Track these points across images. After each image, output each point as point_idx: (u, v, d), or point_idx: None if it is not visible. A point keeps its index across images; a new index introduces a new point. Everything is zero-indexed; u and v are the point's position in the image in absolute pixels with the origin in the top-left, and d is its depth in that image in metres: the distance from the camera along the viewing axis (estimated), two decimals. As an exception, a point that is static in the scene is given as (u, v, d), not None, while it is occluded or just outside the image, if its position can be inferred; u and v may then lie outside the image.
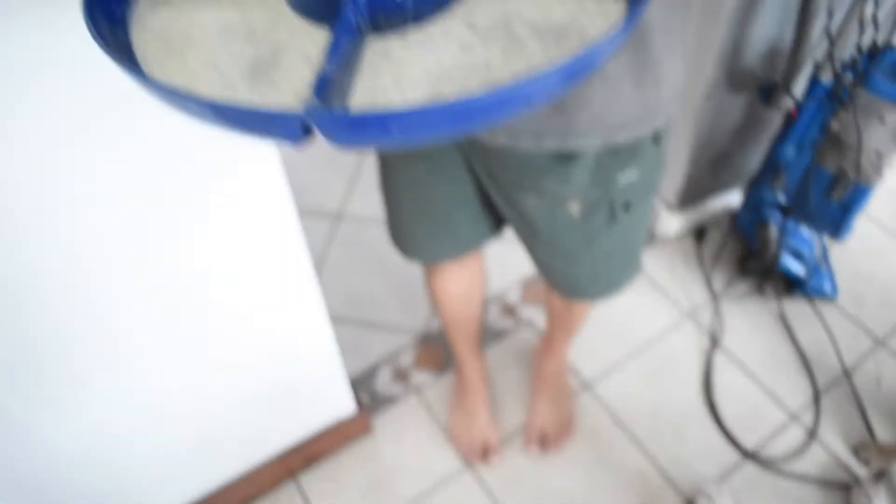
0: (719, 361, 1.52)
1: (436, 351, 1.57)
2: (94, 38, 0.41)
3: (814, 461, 1.39)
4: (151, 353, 0.98)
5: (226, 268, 0.96)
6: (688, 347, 1.55)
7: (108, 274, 0.84)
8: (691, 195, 1.66)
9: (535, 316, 1.62)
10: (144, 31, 0.46)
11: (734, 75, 1.39)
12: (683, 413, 1.46)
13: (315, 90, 0.37)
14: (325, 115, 0.36)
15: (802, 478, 1.36)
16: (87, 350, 0.90)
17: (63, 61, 0.63)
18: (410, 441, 1.45)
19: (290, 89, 0.42)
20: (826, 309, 1.59)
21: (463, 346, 1.40)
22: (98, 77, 0.65)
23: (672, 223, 1.70)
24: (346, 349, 1.57)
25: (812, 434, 1.42)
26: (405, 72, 0.43)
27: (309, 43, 0.45)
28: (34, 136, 0.67)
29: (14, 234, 0.73)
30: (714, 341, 1.55)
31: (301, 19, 0.47)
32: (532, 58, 0.44)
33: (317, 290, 1.10)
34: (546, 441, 1.43)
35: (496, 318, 1.63)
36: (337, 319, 1.60)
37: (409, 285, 1.67)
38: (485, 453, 1.42)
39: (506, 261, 1.66)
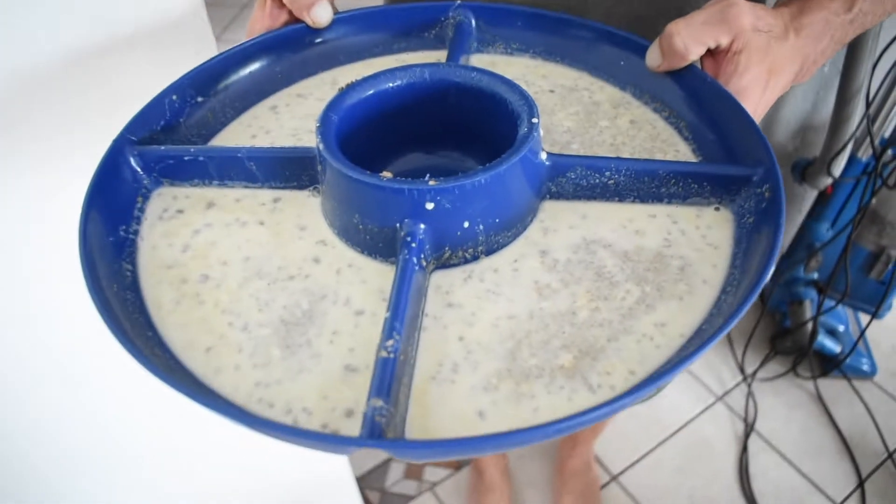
0: (754, 447, 1.44)
1: (454, 442, 1.49)
2: (92, 294, 0.33)
3: (861, 554, 1.31)
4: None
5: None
6: (721, 432, 1.47)
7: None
8: (717, 268, 1.59)
9: (558, 400, 1.54)
10: (154, 266, 0.38)
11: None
12: (720, 504, 1.38)
13: (375, 389, 0.30)
14: (389, 444, 0.28)
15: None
16: None
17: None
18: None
19: (334, 358, 0.34)
20: (864, 387, 1.51)
21: (484, 443, 1.32)
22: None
23: (698, 298, 1.63)
24: (357, 442, 1.48)
25: (858, 525, 1.34)
26: (474, 330, 0.35)
27: (354, 284, 0.37)
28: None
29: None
30: (748, 425, 1.47)
31: (344, 244, 0.39)
32: (626, 301, 0.36)
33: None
34: (575, 539, 1.34)
35: (517, 405, 1.54)
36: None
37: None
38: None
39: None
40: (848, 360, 1.47)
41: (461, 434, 0.31)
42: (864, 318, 1.52)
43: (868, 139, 1.22)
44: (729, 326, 0.31)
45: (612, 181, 0.40)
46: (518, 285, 0.37)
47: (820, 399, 1.50)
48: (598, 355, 0.34)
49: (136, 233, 0.40)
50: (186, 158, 0.41)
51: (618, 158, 0.40)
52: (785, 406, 1.50)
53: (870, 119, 1.19)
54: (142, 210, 0.41)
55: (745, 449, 1.43)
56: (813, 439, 1.45)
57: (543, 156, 0.39)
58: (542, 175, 0.39)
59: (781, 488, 1.39)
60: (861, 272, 1.36)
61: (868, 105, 1.16)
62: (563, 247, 0.38)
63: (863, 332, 1.42)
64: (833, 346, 1.47)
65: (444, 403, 0.32)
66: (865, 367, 1.49)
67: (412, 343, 0.33)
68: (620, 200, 0.40)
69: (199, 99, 0.45)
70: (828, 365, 1.49)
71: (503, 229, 0.38)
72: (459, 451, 0.28)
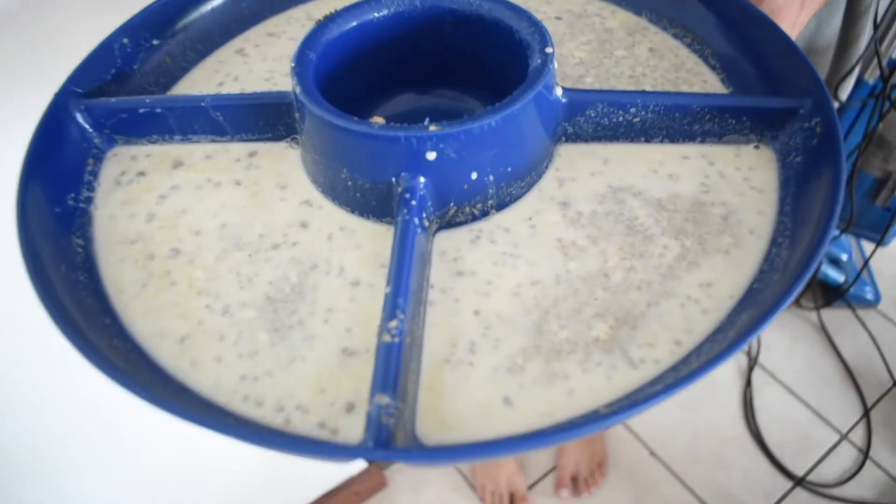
0: (759, 380, 1.42)
1: (454, 391, 1.46)
2: (30, 274, 0.28)
3: (869, 483, 1.30)
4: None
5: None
6: (724, 368, 1.44)
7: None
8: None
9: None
10: (113, 240, 0.33)
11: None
12: (725, 439, 1.36)
13: (379, 383, 0.25)
14: (402, 454, 0.23)
15: (859, 503, 1.27)
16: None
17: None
18: (430, 493, 1.33)
19: (330, 341, 0.29)
20: (868, 316, 1.48)
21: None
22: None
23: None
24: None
25: (865, 453, 1.33)
26: (491, 301, 0.30)
27: (348, 250, 0.32)
28: None
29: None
30: (751, 359, 1.44)
31: (332, 204, 0.34)
32: (665, 258, 0.31)
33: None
34: (579, 483, 1.32)
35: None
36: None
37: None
38: (512, 502, 1.32)
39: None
40: (852, 290, 1.44)
41: (485, 425, 0.26)
42: (868, 247, 1.48)
43: (875, 60, 1.16)
44: (795, 291, 0.26)
45: (637, 119, 0.34)
46: (538, 245, 0.32)
47: (824, 329, 1.47)
48: (638, 323, 0.29)
49: (88, 201, 0.34)
50: (142, 111, 0.35)
51: (644, 92, 0.34)
52: (788, 338, 1.47)
53: (877, 40, 1.13)
54: (94, 174, 0.35)
55: (748, 383, 1.41)
56: (817, 370, 1.43)
57: (559, 91, 0.33)
58: (557, 114, 0.34)
59: (786, 421, 1.38)
60: (866, 199, 1.32)
61: (876, 25, 1.10)
62: (587, 197, 0.33)
63: (867, 261, 1.39)
64: (836, 275, 1.43)
65: (462, 390, 0.27)
66: (869, 296, 1.46)
67: (418, 321, 0.28)
68: (647, 141, 0.35)
69: (155, 42, 0.39)
70: (831, 295, 1.46)
71: (516, 179, 0.33)
72: (487, 454, 0.24)
